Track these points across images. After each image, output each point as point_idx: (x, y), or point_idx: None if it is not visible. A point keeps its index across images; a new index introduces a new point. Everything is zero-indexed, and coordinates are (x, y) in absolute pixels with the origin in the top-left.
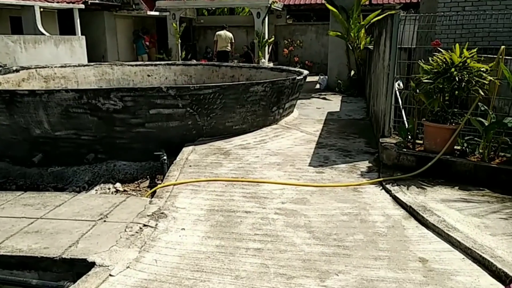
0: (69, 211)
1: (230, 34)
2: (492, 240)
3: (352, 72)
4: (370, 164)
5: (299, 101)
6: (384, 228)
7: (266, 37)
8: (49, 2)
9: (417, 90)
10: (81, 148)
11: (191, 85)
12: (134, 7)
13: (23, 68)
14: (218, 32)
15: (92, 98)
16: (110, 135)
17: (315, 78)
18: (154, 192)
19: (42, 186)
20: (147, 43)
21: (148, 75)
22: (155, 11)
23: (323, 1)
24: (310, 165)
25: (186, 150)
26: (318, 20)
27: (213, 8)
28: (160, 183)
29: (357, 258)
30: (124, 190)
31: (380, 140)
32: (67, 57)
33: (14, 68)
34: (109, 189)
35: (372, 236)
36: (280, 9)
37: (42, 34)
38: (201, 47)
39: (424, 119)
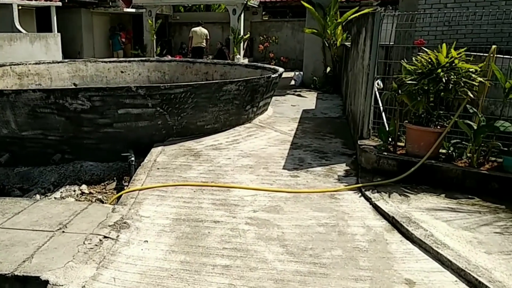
0: (27, 220)
1: (205, 31)
2: (488, 260)
3: (328, 69)
4: (348, 168)
5: (273, 98)
6: (365, 242)
7: (242, 33)
8: (27, 0)
9: (399, 91)
10: (48, 148)
11: (161, 85)
12: (110, 4)
13: None
14: (193, 29)
15: (60, 98)
16: (77, 136)
17: (291, 74)
18: (120, 197)
19: (8, 187)
20: (123, 39)
21: (122, 72)
22: (132, 8)
23: None
24: (284, 168)
25: (155, 151)
26: (294, 17)
27: (189, 5)
28: (127, 186)
29: (335, 278)
30: (90, 193)
31: (359, 142)
32: (42, 54)
33: None
34: (74, 191)
35: (352, 251)
36: (256, 6)
37: (19, 31)
38: (177, 43)
39: (407, 121)
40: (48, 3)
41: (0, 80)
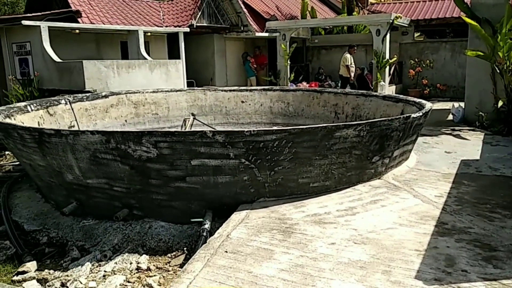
0: None
1: (346, 55)
2: None
3: (500, 103)
4: None
5: (421, 138)
6: None
7: (387, 56)
8: (158, 26)
9: None
10: (115, 200)
11: (246, 130)
12: (242, 28)
13: (112, 93)
14: None
15: (121, 143)
16: (145, 189)
17: (448, 105)
18: None
19: (70, 243)
20: (254, 65)
21: (242, 101)
22: (265, 32)
23: (461, 14)
24: (418, 276)
25: (235, 218)
26: (455, 36)
27: (331, 27)
28: None
29: None
30: (147, 269)
31: None
32: (162, 82)
33: (103, 93)
34: (130, 263)
35: None
36: (406, 25)
37: (144, 58)
38: (314, 68)
39: None
40: (175, 30)
41: (114, 109)
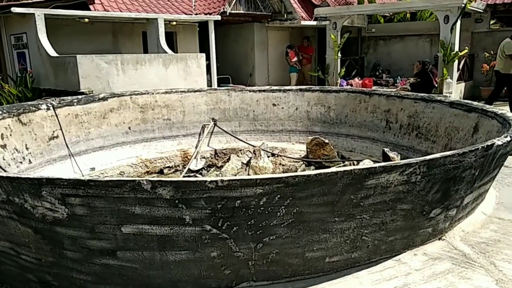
0: None
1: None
2: None
3: None
4: None
5: None
6: None
7: (456, 48)
8: (187, 14)
9: None
10: (27, 272)
11: (209, 180)
12: (286, 16)
13: (113, 95)
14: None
15: (13, 195)
16: (60, 263)
17: None
18: None
19: None
20: (293, 59)
21: (274, 105)
22: (314, 20)
23: None
24: None
25: None
26: None
27: (391, 14)
28: None
29: None
30: None
31: None
32: (180, 80)
33: (101, 95)
34: None
35: None
36: (481, 11)
37: (164, 51)
38: (370, 61)
39: None
40: (205, 18)
41: (115, 114)
